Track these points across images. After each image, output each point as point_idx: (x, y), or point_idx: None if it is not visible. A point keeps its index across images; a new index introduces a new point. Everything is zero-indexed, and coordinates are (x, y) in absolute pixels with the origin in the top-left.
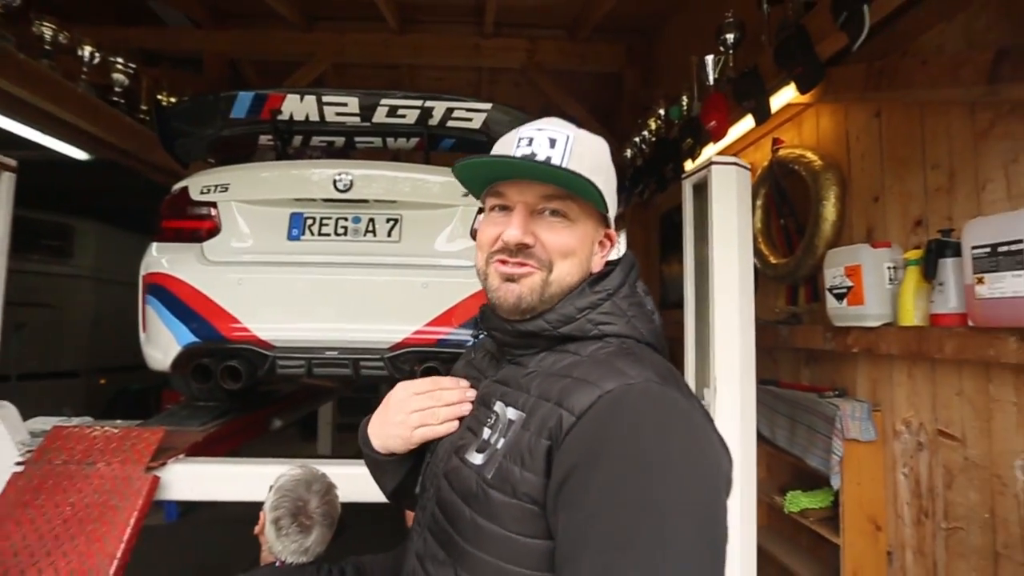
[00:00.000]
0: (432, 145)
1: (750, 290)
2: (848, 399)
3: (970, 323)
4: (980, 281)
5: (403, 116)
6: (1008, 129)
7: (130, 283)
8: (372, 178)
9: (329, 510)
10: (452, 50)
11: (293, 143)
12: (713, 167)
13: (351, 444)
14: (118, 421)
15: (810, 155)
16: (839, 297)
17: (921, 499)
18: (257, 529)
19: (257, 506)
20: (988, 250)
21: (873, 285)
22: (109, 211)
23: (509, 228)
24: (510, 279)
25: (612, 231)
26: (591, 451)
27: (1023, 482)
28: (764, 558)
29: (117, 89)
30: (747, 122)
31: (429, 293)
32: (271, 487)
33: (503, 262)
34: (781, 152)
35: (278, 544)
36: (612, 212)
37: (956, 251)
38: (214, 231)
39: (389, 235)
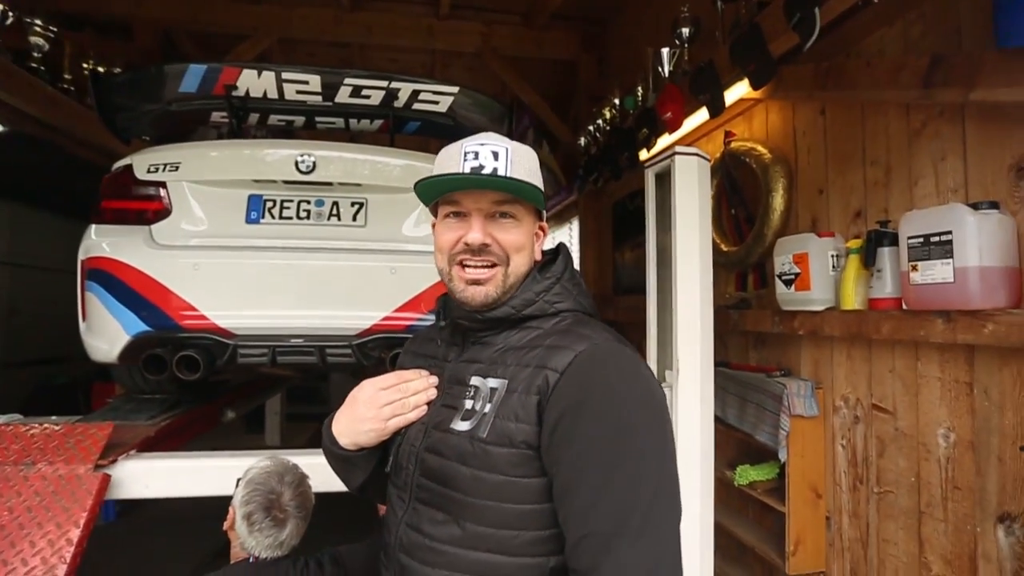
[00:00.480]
0: (397, 127)
1: (710, 276)
2: (793, 378)
3: (904, 306)
4: (914, 268)
5: (367, 97)
6: (938, 130)
7: (53, 269)
8: (336, 160)
9: (303, 501)
10: (405, 30)
11: (248, 121)
12: (677, 157)
13: (300, 434)
14: (53, 417)
15: (760, 148)
16: (788, 283)
17: (857, 467)
18: (227, 525)
19: (214, 501)
20: (921, 240)
21: (819, 272)
22: (25, 190)
23: (471, 232)
24: (476, 283)
25: (544, 223)
26: (576, 398)
27: (944, 448)
28: (715, 529)
29: (35, 54)
30: (701, 114)
31: (397, 279)
32: (239, 480)
33: (464, 265)
34: (733, 145)
35: (251, 540)
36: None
37: (893, 241)
38: (163, 213)
39: (354, 219)
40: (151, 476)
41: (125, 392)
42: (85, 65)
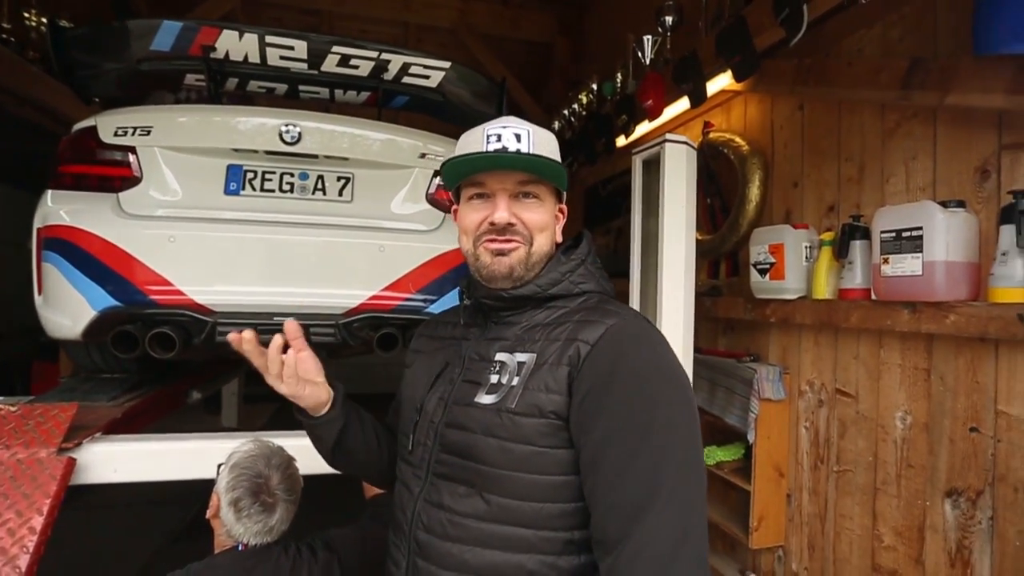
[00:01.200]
0: (384, 101)
1: (693, 263)
2: (762, 364)
3: (873, 297)
4: (886, 261)
5: (356, 67)
6: (910, 130)
7: None
8: (323, 132)
9: (292, 485)
10: (379, 0)
11: (226, 86)
12: (667, 145)
13: (258, 415)
14: (1, 398)
15: (738, 140)
16: (763, 272)
17: (819, 448)
18: (210, 513)
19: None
20: (893, 235)
21: (793, 262)
22: None
23: (497, 211)
24: (501, 253)
25: (564, 205)
26: (607, 369)
27: (901, 430)
28: None
29: None
30: (681, 103)
31: (386, 257)
32: (222, 465)
33: (492, 240)
34: (711, 135)
35: (239, 526)
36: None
37: (865, 235)
38: (133, 180)
39: (340, 194)
40: (120, 460)
41: (75, 371)
42: (27, 15)
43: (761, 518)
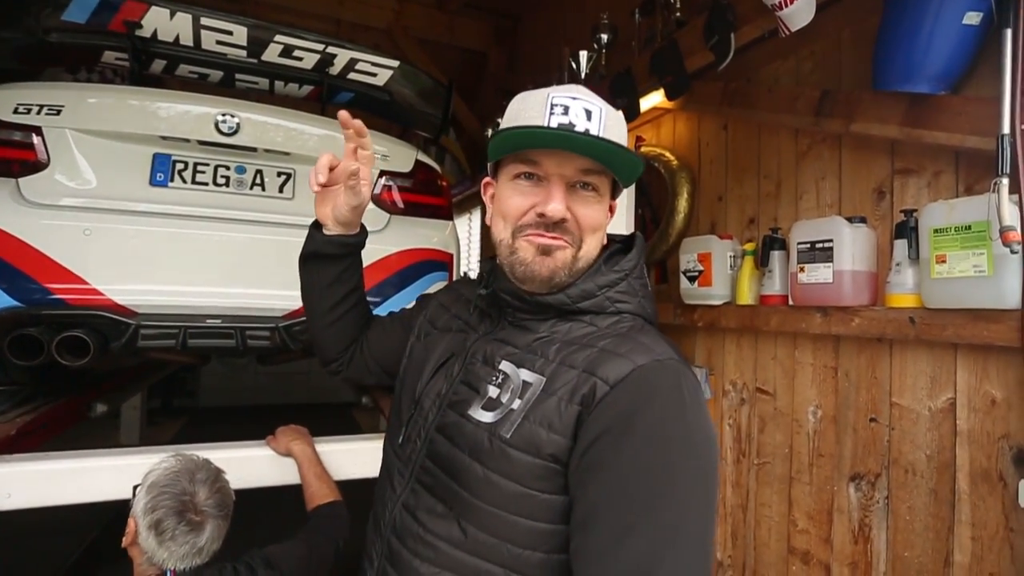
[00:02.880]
0: (328, 96)
1: None
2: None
3: (790, 302)
4: (801, 270)
5: (299, 59)
6: (820, 153)
7: None
8: (264, 124)
9: (223, 499)
10: None
11: (152, 68)
12: None
13: (164, 431)
14: None
15: (668, 155)
16: (692, 279)
17: (741, 443)
18: (126, 541)
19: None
20: (808, 246)
21: (719, 270)
22: None
23: (552, 202)
24: (546, 252)
25: (615, 203)
26: (624, 418)
27: (812, 423)
28: None
29: None
30: None
31: None
32: (138, 487)
33: (539, 235)
34: (643, 149)
35: (162, 551)
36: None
37: (782, 245)
38: (37, 165)
39: (281, 191)
40: (15, 482)
41: None
42: None
43: None
